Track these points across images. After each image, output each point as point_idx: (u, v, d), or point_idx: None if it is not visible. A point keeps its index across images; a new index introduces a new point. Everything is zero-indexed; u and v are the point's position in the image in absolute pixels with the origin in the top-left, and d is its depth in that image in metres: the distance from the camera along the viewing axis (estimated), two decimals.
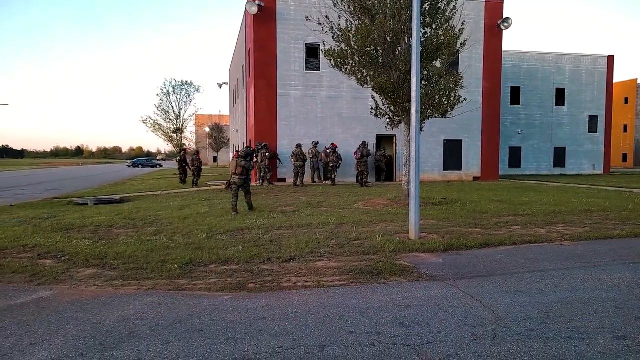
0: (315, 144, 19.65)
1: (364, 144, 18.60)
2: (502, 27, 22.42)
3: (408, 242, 6.97)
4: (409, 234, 7.43)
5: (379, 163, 20.97)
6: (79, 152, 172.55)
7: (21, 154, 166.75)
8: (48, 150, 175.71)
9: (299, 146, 18.79)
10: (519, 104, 30.00)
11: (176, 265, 5.70)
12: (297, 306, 4.29)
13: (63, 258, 6.30)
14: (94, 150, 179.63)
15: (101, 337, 3.58)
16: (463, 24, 12.44)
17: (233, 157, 11.13)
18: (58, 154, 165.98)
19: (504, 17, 22.40)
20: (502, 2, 22.65)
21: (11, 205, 12.73)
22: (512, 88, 29.79)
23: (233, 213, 10.26)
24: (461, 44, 12.26)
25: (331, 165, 18.84)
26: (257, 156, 18.46)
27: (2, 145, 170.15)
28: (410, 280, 5.18)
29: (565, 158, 30.86)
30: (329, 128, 20.87)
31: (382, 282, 5.10)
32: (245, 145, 19.80)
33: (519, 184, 20.24)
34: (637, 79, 57.25)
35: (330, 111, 20.88)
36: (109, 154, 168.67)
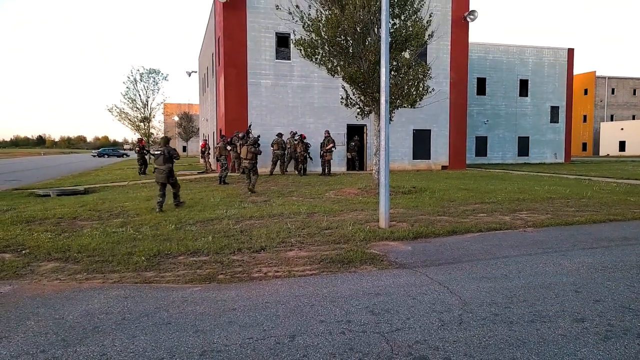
0: (294, 134, 19.44)
1: (329, 133, 18.87)
2: (469, 19, 22.79)
3: (378, 231, 7.04)
4: (379, 222, 7.51)
5: (353, 153, 21.16)
6: (40, 141, 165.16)
7: None
8: (7, 139, 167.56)
9: (280, 135, 18.69)
10: (484, 94, 30.68)
11: (143, 257, 5.58)
12: (267, 296, 4.28)
13: (23, 252, 6.06)
14: (57, 139, 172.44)
15: (64, 333, 3.47)
16: (431, 15, 12.56)
17: (241, 144, 13.52)
18: (18, 143, 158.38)
19: (470, 9, 22.77)
20: None
21: None
22: (478, 79, 30.41)
23: (249, 192, 12.01)
24: (429, 35, 12.38)
25: (304, 155, 18.83)
26: (234, 145, 18.23)
27: None
28: (380, 268, 5.25)
29: (528, 147, 31.85)
30: (300, 117, 20.79)
31: (352, 271, 5.14)
32: (220, 134, 19.62)
33: (485, 173, 20.77)
34: (595, 71, 59.40)
35: (301, 101, 20.77)
36: (73, 144, 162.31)
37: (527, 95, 31.51)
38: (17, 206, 10.29)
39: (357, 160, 21.40)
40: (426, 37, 12.25)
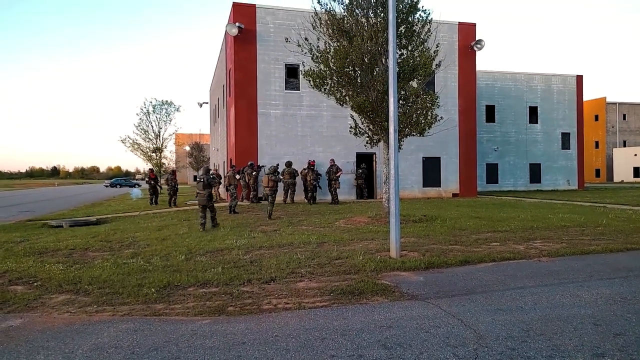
0: (309, 163, 19.47)
1: (334, 161, 19.11)
2: (475, 48, 23.11)
3: (389, 261, 6.96)
4: (389, 252, 7.43)
5: (359, 181, 21.12)
6: (55, 172, 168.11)
7: None
8: (23, 170, 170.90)
9: (289, 164, 18.78)
10: (494, 121, 30.74)
11: (153, 289, 5.56)
12: (277, 329, 4.21)
13: (35, 284, 6.08)
14: (71, 170, 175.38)
15: None
16: (438, 45, 12.75)
17: (250, 174, 16.48)
18: (33, 174, 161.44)
19: (477, 38, 23.10)
20: (475, 25, 23.38)
21: None
22: (487, 106, 30.54)
23: (267, 219, 12.73)
24: (436, 64, 12.54)
25: (313, 184, 18.85)
26: (243, 174, 18.49)
27: None
28: (391, 300, 5.16)
29: (540, 174, 31.59)
30: (309, 146, 20.95)
31: (363, 303, 5.06)
32: (230, 164, 19.93)
33: (497, 200, 20.57)
34: (605, 97, 59.42)
35: (310, 130, 20.99)
36: (86, 174, 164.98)
37: (537, 122, 31.50)
38: (30, 237, 10.40)
39: (365, 188, 21.28)
40: (433, 66, 12.40)
